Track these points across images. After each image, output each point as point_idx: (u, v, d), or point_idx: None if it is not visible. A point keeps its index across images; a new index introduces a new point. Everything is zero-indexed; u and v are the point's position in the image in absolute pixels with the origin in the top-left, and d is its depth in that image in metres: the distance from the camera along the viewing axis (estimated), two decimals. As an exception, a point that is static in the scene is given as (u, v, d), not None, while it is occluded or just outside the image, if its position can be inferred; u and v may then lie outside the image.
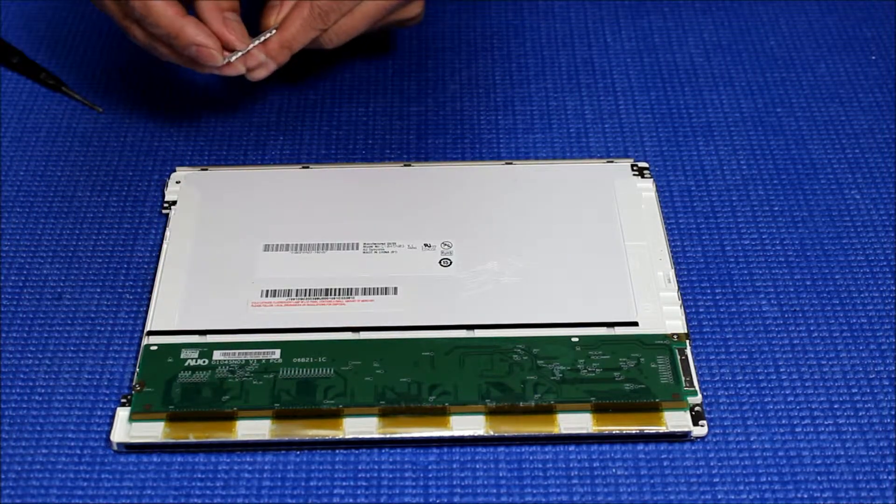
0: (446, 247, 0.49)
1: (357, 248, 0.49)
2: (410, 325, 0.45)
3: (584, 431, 0.42)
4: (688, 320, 0.46)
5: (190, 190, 0.52)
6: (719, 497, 0.41)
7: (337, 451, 0.43)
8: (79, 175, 0.53)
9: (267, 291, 0.47)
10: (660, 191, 0.52)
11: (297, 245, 0.49)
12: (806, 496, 0.41)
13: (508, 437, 0.42)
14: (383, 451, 0.43)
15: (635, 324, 0.45)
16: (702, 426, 0.43)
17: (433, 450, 0.43)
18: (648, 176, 0.52)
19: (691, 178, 0.53)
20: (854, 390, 0.44)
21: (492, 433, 0.42)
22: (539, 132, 0.55)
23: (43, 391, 0.45)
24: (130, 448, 0.43)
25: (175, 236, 0.49)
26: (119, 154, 0.54)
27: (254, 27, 0.50)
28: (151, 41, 0.49)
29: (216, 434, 0.42)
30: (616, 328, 0.45)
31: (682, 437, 0.43)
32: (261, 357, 0.44)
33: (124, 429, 0.43)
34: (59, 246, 0.50)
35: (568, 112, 0.56)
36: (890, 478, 0.42)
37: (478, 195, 0.51)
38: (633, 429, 0.42)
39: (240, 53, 0.48)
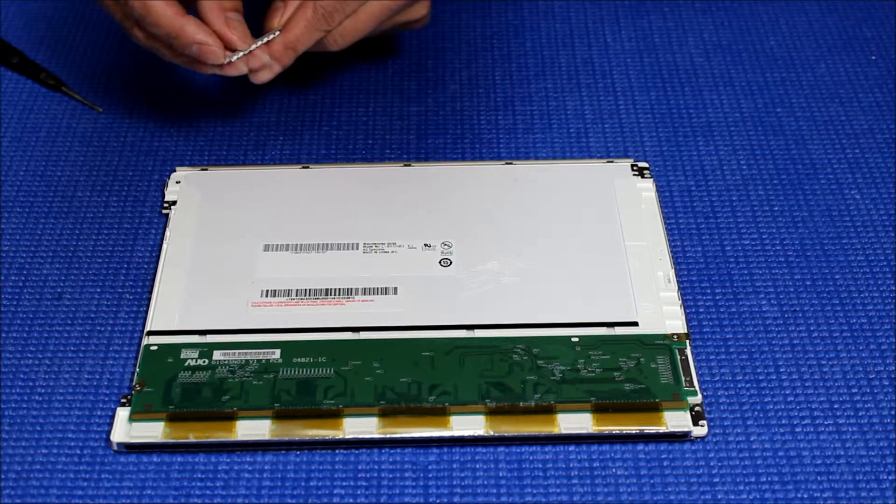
0: (446, 247, 0.49)
1: (357, 248, 0.49)
2: (410, 325, 0.45)
3: (584, 431, 0.42)
4: (688, 320, 0.46)
5: (190, 190, 0.52)
6: (719, 497, 0.41)
7: (337, 451, 0.43)
8: (79, 175, 0.53)
9: (267, 291, 0.47)
10: (660, 191, 0.52)
11: (297, 245, 0.49)
12: (806, 496, 0.41)
13: (508, 437, 0.42)
14: (383, 451, 0.43)
15: (635, 324, 0.45)
16: (702, 426, 0.43)
17: (433, 450, 0.43)
18: (648, 176, 0.52)
19: (691, 178, 0.53)
20: (854, 390, 0.44)
21: (492, 433, 0.42)
22: (539, 132, 0.55)
23: (43, 391, 0.45)
24: (130, 448, 0.43)
25: (175, 236, 0.49)
26: (119, 154, 0.54)
27: (258, 30, 0.49)
28: (152, 42, 0.49)
29: (216, 434, 0.42)
30: (616, 328, 0.45)
31: (682, 437, 0.43)
32: (261, 357, 0.44)
33: (124, 429, 0.43)
34: (59, 246, 0.50)
35: (568, 112, 0.56)
36: (890, 478, 0.42)
37: (478, 195, 0.51)
38: (633, 429, 0.42)
39: (241, 53, 0.48)
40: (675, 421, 0.43)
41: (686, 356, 0.44)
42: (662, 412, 0.43)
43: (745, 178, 0.53)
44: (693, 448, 0.43)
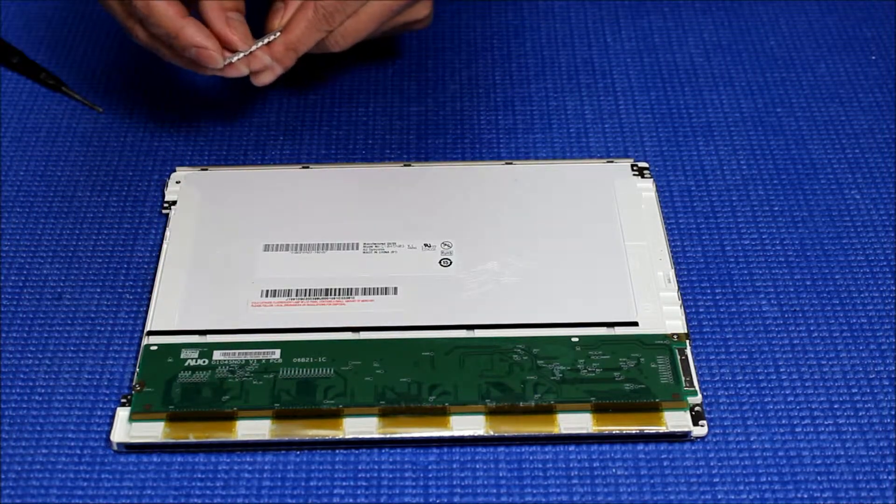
0: (446, 247, 0.49)
1: (357, 248, 0.49)
2: (410, 325, 0.45)
3: (584, 431, 0.42)
4: (688, 320, 0.46)
5: (190, 190, 0.52)
6: (719, 497, 0.41)
7: (337, 451, 0.43)
8: (79, 175, 0.53)
9: (267, 291, 0.47)
10: (660, 191, 0.52)
11: (297, 245, 0.49)
12: (806, 496, 0.41)
13: (508, 437, 0.42)
14: (383, 451, 0.43)
15: (635, 324, 0.45)
16: (702, 426, 0.43)
17: (433, 450, 0.43)
18: (648, 176, 0.52)
19: (691, 178, 0.53)
20: (854, 390, 0.44)
21: (492, 433, 0.42)
22: (539, 132, 0.55)
23: (43, 391, 0.45)
24: (130, 448, 0.43)
25: (175, 236, 0.49)
26: (119, 154, 0.54)
27: (260, 31, 0.49)
28: (153, 42, 0.49)
29: (216, 434, 0.42)
30: (616, 328, 0.45)
31: (682, 437, 0.43)
32: (261, 357, 0.44)
33: (124, 429, 0.43)
34: (59, 246, 0.50)
35: (568, 112, 0.56)
36: (890, 478, 0.42)
37: (478, 195, 0.51)
38: (633, 429, 0.42)
39: (242, 54, 0.48)
40: (675, 421, 0.43)
41: (686, 356, 0.44)
42: (662, 412, 0.43)
43: (745, 178, 0.53)
44: (693, 448, 0.43)
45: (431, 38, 0.60)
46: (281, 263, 0.48)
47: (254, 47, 0.48)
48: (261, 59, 0.49)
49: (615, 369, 0.44)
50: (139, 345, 0.46)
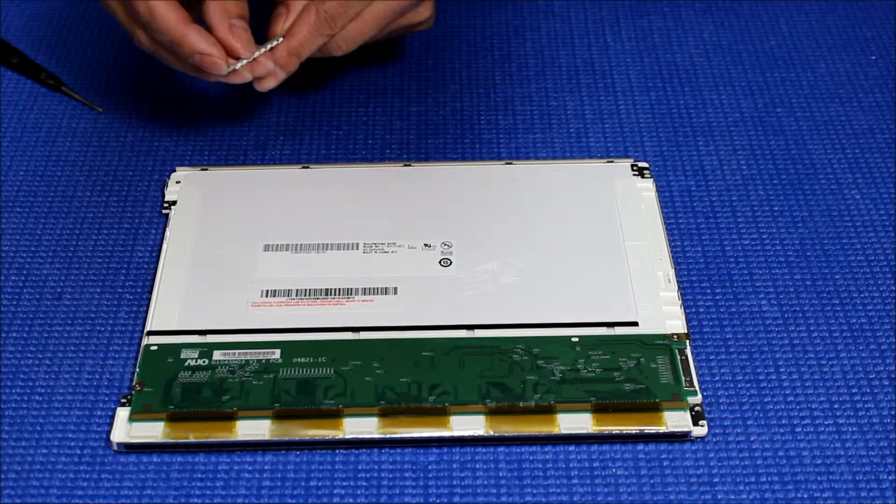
0: (446, 247, 0.49)
1: (357, 248, 0.49)
2: (410, 325, 0.45)
3: (584, 431, 0.42)
4: (688, 320, 0.46)
5: (190, 190, 0.52)
6: (719, 497, 0.41)
7: (337, 451, 0.43)
8: (79, 175, 0.53)
9: (267, 291, 0.47)
10: (660, 191, 0.52)
11: (297, 245, 0.49)
12: (806, 496, 0.41)
13: (508, 437, 0.42)
14: (383, 451, 0.43)
15: (635, 324, 0.45)
16: (702, 426, 0.43)
17: (433, 450, 0.43)
18: (648, 176, 0.52)
19: (691, 178, 0.53)
20: (854, 390, 0.44)
21: (492, 433, 0.42)
22: (539, 132, 0.55)
23: (43, 391, 0.45)
24: (130, 448, 0.43)
25: (175, 236, 0.49)
26: (119, 154, 0.54)
27: (264, 36, 0.49)
28: (156, 47, 0.49)
29: (216, 434, 0.42)
30: (616, 328, 0.45)
31: (682, 437, 0.43)
32: (261, 357, 0.44)
33: (124, 429, 0.43)
34: (59, 246, 0.50)
35: (568, 112, 0.56)
36: (890, 478, 0.42)
37: (478, 195, 0.51)
38: (633, 429, 0.42)
39: (245, 61, 0.48)
40: (675, 421, 0.43)
41: (686, 356, 0.44)
42: (662, 412, 0.43)
43: (745, 178, 0.53)
44: (693, 448, 0.43)
45: (431, 38, 0.60)
46: (281, 263, 0.48)
47: (257, 53, 0.48)
48: (264, 65, 0.49)
49: (615, 369, 0.44)
50: (139, 345, 0.46)
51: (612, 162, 0.53)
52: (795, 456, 0.42)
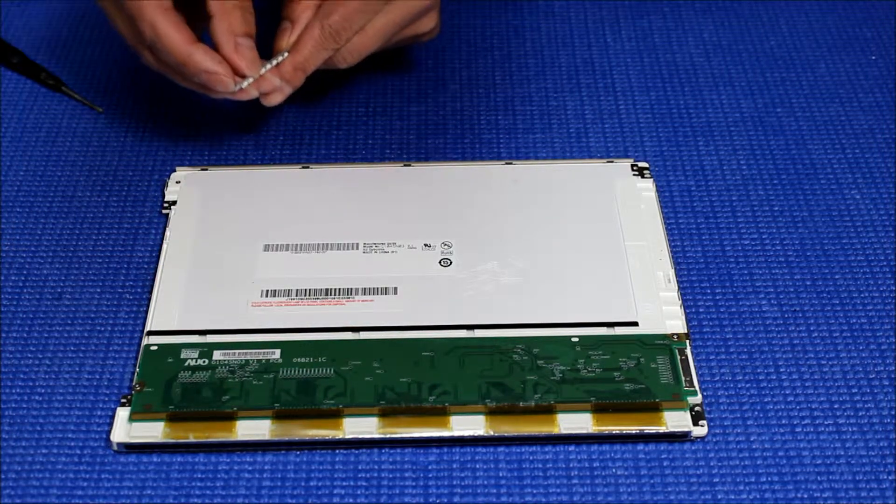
0: (446, 247, 0.49)
1: (357, 248, 0.49)
2: (410, 325, 0.45)
3: (584, 431, 0.42)
4: (688, 320, 0.46)
5: (190, 190, 0.52)
6: (719, 497, 0.41)
7: (337, 451, 0.43)
8: (79, 175, 0.53)
9: (267, 291, 0.47)
10: (660, 191, 0.52)
11: (297, 245, 0.49)
12: (806, 496, 0.41)
13: (508, 437, 0.42)
14: (383, 451, 0.43)
15: (635, 324, 0.45)
16: (702, 426, 0.43)
17: (433, 450, 0.43)
18: (648, 176, 0.52)
19: (691, 178, 0.53)
20: (854, 390, 0.44)
21: (492, 433, 0.42)
22: (539, 132, 0.55)
23: (43, 391, 0.45)
24: (130, 448, 0.43)
25: (175, 236, 0.49)
26: (119, 154, 0.54)
27: (270, 48, 0.49)
28: (162, 67, 0.49)
29: (216, 434, 0.42)
30: (616, 328, 0.45)
31: (682, 437, 0.43)
32: (261, 357, 0.44)
33: (124, 429, 0.43)
34: (59, 246, 0.50)
35: (568, 112, 0.56)
36: (890, 478, 0.42)
37: (478, 195, 0.51)
38: (633, 429, 0.42)
39: (251, 79, 0.48)
40: (675, 421, 0.43)
41: (686, 356, 0.44)
42: (662, 412, 0.43)
43: (745, 178, 0.53)
44: (693, 448, 0.43)
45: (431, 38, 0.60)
46: (281, 263, 0.48)
47: (263, 70, 0.48)
48: (270, 81, 0.49)
49: (615, 369, 0.44)
50: (139, 345, 0.46)
51: (612, 162, 0.53)
52: (795, 456, 0.42)
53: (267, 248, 0.49)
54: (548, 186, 0.51)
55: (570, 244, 0.49)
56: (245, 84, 0.48)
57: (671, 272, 0.48)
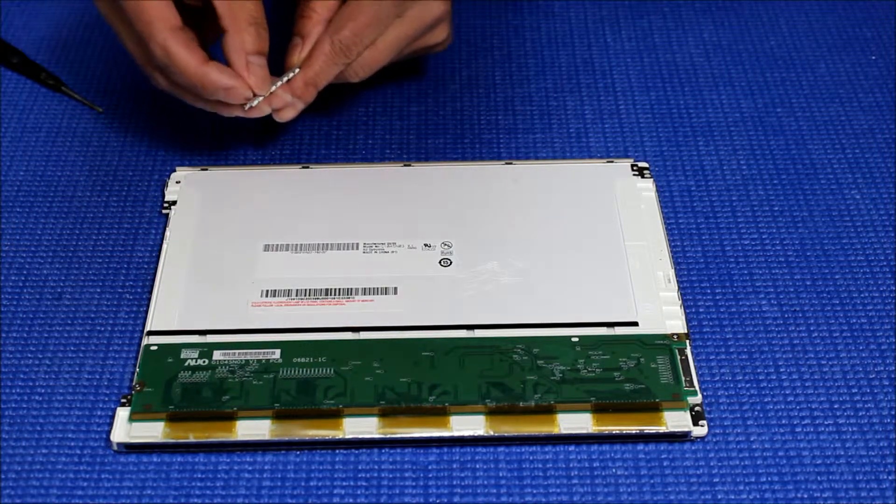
0: (446, 247, 0.49)
1: (357, 248, 0.49)
2: (410, 325, 0.45)
3: (584, 431, 0.42)
4: (688, 320, 0.46)
5: (190, 190, 0.52)
6: (719, 497, 0.41)
7: (337, 451, 0.43)
8: (79, 175, 0.53)
9: (267, 291, 0.47)
10: (660, 191, 0.52)
11: (297, 245, 0.49)
12: (806, 496, 0.41)
13: (508, 437, 0.42)
14: (383, 451, 0.43)
15: (635, 324, 0.45)
16: (702, 426, 0.43)
17: (433, 450, 0.43)
18: (648, 176, 0.52)
19: (691, 178, 0.53)
20: (854, 390, 0.44)
21: (492, 433, 0.42)
22: (539, 132, 0.55)
23: (43, 391, 0.45)
24: (130, 448, 0.43)
25: (175, 236, 0.49)
26: (119, 154, 0.54)
27: (282, 64, 0.49)
28: (174, 88, 0.49)
29: (216, 434, 0.42)
30: (616, 328, 0.45)
31: (682, 437, 0.43)
32: (261, 357, 0.44)
33: (124, 429, 0.43)
34: (59, 246, 0.50)
35: (568, 112, 0.56)
36: (890, 478, 0.42)
37: (478, 195, 0.51)
38: (633, 429, 0.42)
39: (262, 97, 0.48)
40: (675, 421, 0.43)
41: (686, 356, 0.44)
42: (662, 412, 0.43)
43: (745, 178, 0.53)
44: (693, 448, 0.43)
45: (431, 38, 0.60)
46: (281, 263, 0.48)
47: (274, 87, 0.48)
48: (282, 97, 0.49)
49: (615, 369, 0.44)
50: (139, 345, 0.46)
51: (612, 162, 0.53)
52: (795, 456, 0.42)
53: (267, 248, 0.49)
54: (548, 186, 0.51)
55: (570, 244, 0.49)
56: (256, 102, 0.48)
57: (671, 272, 0.48)
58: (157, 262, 0.48)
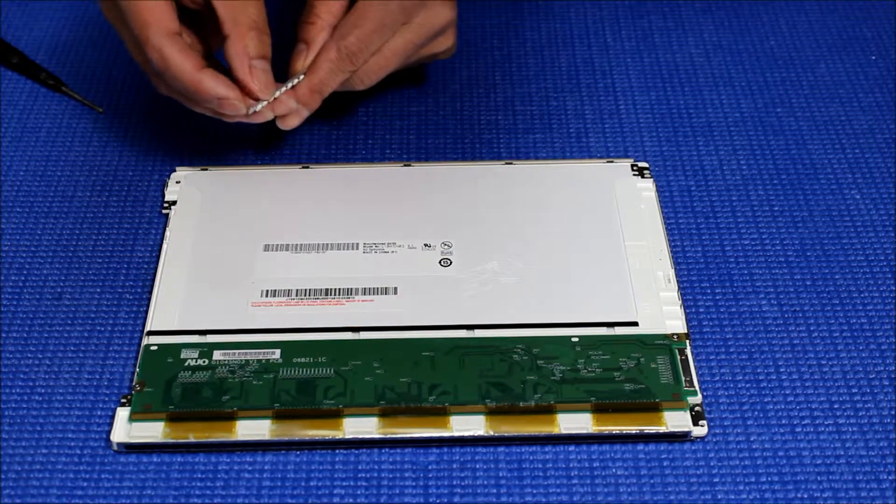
0: (446, 247, 0.49)
1: (357, 248, 0.49)
2: (410, 325, 0.45)
3: (584, 431, 0.42)
4: (688, 320, 0.46)
5: (190, 190, 0.52)
6: (719, 497, 0.41)
7: (337, 451, 0.43)
8: (79, 175, 0.53)
9: (267, 291, 0.47)
10: (660, 191, 0.52)
11: (297, 245, 0.49)
12: (806, 496, 0.41)
13: (508, 437, 0.42)
14: (383, 451, 0.43)
15: (635, 324, 0.45)
16: (702, 426, 0.43)
17: (433, 450, 0.43)
18: (648, 176, 0.52)
19: (691, 178, 0.53)
20: (854, 390, 0.44)
21: (492, 433, 0.42)
22: (539, 132, 0.55)
23: (43, 391, 0.45)
24: (130, 448, 0.43)
25: (175, 236, 0.49)
26: (119, 154, 0.54)
27: (285, 70, 0.49)
28: (173, 93, 0.48)
29: (216, 434, 0.42)
30: (616, 328, 0.45)
31: (682, 437, 0.43)
32: (261, 357, 0.44)
33: (124, 429, 0.43)
34: (59, 246, 0.50)
35: (568, 112, 0.56)
36: (890, 478, 0.42)
37: (478, 195, 0.51)
38: (633, 429, 0.42)
39: (265, 102, 0.48)
40: (675, 421, 0.43)
41: (686, 356, 0.44)
42: (662, 412, 0.43)
43: (745, 178, 0.53)
44: (693, 448, 0.43)
45: (431, 38, 0.60)
46: (281, 263, 0.48)
47: (278, 93, 0.48)
48: (286, 104, 0.48)
49: (615, 369, 0.44)
50: (139, 345, 0.46)
51: (612, 162, 0.53)
52: (795, 456, 0.42)
53: (267, 248, 0.49)
54: (548, 186, 0.51)
55: (570, 244, 0.49)
56: (258, 107, 0.48)
57: (671, 272, 0.48)
58: (157, 262, 0.48)
